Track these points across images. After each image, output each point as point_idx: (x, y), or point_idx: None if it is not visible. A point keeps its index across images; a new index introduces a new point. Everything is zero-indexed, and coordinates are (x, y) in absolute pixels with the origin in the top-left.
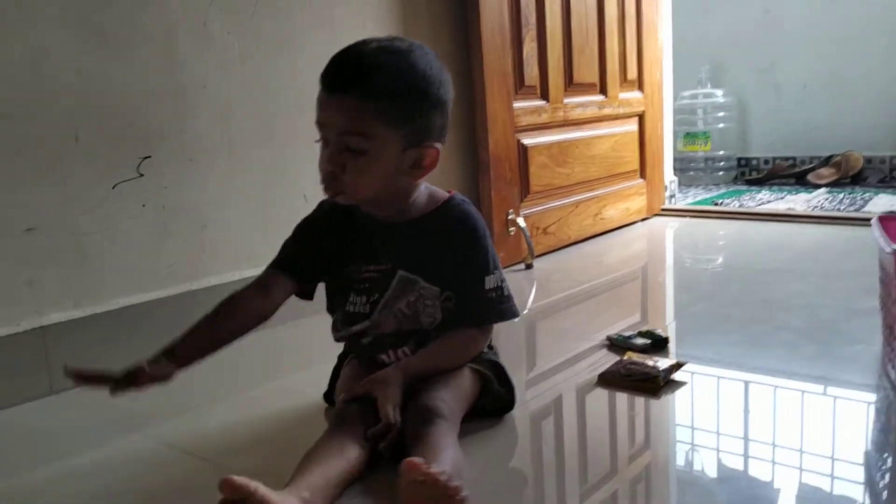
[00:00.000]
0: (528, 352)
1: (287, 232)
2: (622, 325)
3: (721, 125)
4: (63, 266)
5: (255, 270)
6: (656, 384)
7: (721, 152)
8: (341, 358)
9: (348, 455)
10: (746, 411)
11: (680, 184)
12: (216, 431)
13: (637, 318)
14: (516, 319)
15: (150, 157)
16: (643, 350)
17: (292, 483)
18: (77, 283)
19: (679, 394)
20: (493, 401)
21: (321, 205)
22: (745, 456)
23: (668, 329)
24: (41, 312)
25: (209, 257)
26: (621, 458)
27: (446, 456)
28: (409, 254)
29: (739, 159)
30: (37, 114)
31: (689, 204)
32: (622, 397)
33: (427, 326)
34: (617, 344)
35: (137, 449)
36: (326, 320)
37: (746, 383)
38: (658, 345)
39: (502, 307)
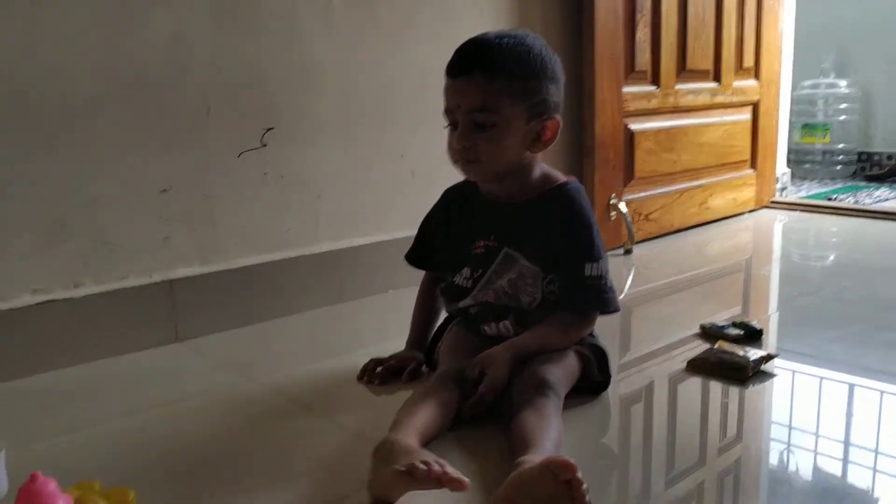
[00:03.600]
0: (623, 336)
1: (395, 206)
2: (721, 315)
3: (842, 117)
4: (193, 225)
5: (364, 240)
6: (745, 374)
7: (840, 145)
8: (445, 322)
9: (442, 411)
10: (850, 414)
11: (794, 176)
12: (323, 384)
13: (737, 310)
14: (617, 313)
15: (272, 128)
16: (735, 340)
17: (396, 427)
18: (204, 241)
19: (776, 389)
20: (589, 383)
21: (446, 193)
22: (844, 459)
23: (769, 321)
24: (171, 267)
25: (322, 225)
26: (710, 449)
27: (553, 429)
28: (516, 232)
29: (860, 154)
30: (174, 88)
31: (802, 198)
32: (716, 388)
33: (526, 306)
34: (710, 333)
35: (248, 393)
36: None
37: (851, 385)
38: (752, 336)
39: (603, 297)
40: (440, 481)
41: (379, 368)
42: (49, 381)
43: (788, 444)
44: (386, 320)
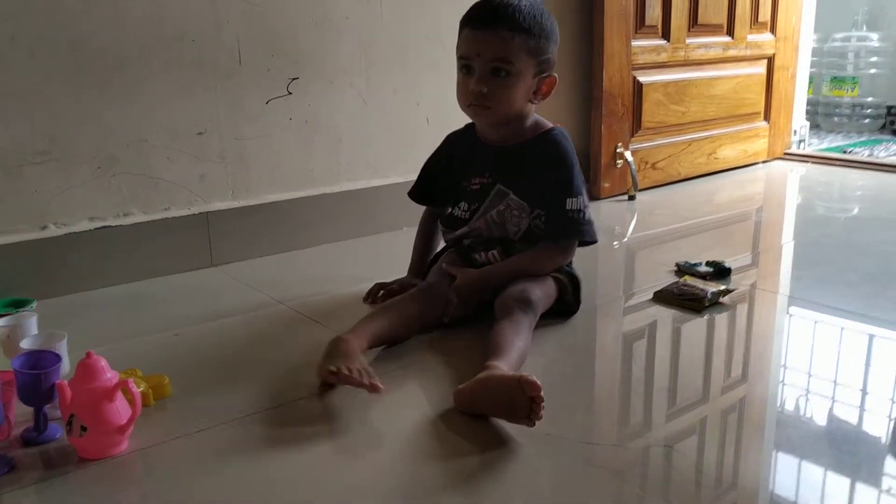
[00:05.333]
0: (627, 276)
1: (410, 150)
2: (711, 257)
3: (873, 70)
4: (226, 164)
5: (381, 181)
6: (701, 304)
7: (869, 99)
8: (442, 251)
9: (399, 321)
10: (869, 361)
11: (822, 129)
12: (336, 305)
13: (729, 254)
14: (594, 244)
15: (297, 78)
16: (704, 276)
17: (353, 329)
18: (236, 179)
19: (776, 335)
20: (563, 305)
21: (448, 137)
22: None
23: (764, 264)
24: (207, 201)
25: (343, 167)
26: (714, 388)
27: (522, 342)
28: (507, 171)
29: (889, 108)
30: (210, 39)
31: (817, 150)
32: (721, 328)
33: (512, 236)
34: (682, 269)
35: (275, 312)
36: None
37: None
38: (721, 273)
39: (581, 228)
40: (359, 386)
41: (381, 292)
42: (103, 296)
43: (788, 384)
44: (398, 254)
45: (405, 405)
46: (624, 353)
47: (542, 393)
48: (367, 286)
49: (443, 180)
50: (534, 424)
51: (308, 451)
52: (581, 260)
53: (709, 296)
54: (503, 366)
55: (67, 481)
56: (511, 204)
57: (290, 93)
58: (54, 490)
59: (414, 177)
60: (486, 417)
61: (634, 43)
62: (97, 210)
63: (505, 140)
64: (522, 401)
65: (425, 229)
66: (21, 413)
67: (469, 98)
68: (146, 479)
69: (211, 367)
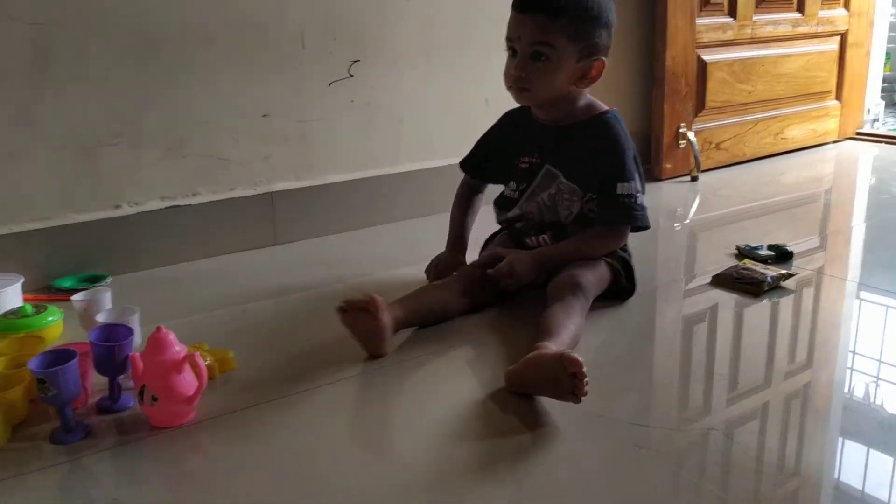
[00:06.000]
0: (687, 258)
1: (469, 131)
2: (775, 241)
3: None
4: (289, 146)
5: (440, 161)
6: (760, 288)
7: None
8: (494, 234)
9: (438, 299)
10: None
11: None
12: (395, 283)
13: (795, 237)
14: (647, 230)
15: (358, 60)
16: (765, 260)
17: (398, 301)
18: (299, 160)
19: (844, 320)
20: (618, 291)
21: (505, 114)
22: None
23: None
24: (271, 181)
25: (403, 148)
26: (777, 373)
27: (573, 325)
28: (557, 152)
29: None
30: (274, 22)
31: (892, 130)
32: (785, 313)
33: (563, 219)
34: (743, 253)
35: (336, 290)
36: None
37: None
38: (782, 257)
39: (633, 213)
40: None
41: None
42: (172, 273)
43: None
44: None
45: (455, 384)
46: (682, 336)
47: (584, 369)
48: (426, 266)
49: (495, 155)
50: (579, 401)
51: (352, 428)
52: (641, 242)
53: (768, 280)
54: (552, 346)
55: (139, 447)
56: (562, 188)
57: (351, 75)
58: (127, 455)
59: None
60: (536, 398)
61: (699, 21)
62: (167, 190)
63: (556, 121)
64: (566, 378)
65: (461, 202)
66: (97, 383)
67: (510, 80)
68: (211, 447)
69: (273, 343)
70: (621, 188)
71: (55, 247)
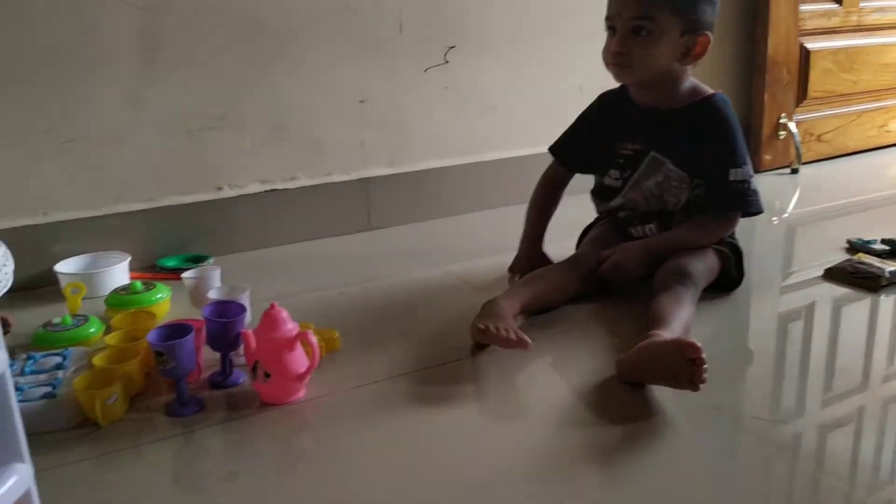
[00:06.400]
0: (792, 252)
1: (562, 119)
2: (884, 235)
3: None
4: (385, 132)
5: (532, 150)
6: (878, 283)
7: None
8: (595, 221)
9: (551, 288)
10: None
11: None
12: (492, 273)
13: None
14: (760, 214)
15: (454, 46)
16: (880, 255)
17: (506, 293)
18: (394, 146)
19: None
20: (726, 280)
21: (601, 96)
22: None
23: None
24: (366, 167)
25: (495, 135)
26: (875, 376)
27: (684, 313)
28: (663, 138)
29: None
30: (372, 8)
31: None
32: (886, 309)
33: (671, 207)
34: (856, 247)
35: (431, 276)
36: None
37: None
38: None
39: (746, 199)
40: (507, 344)
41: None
42: (270, 255)
43: None
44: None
45: (565, 373)
46: (796, 330)
47: (703, 355)
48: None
49: (590, 140)
50: (697, 388)
51: (457, 412)
52: (742, 235)
53: (886, 275)
54: (666, 334)
55: (251, 422)
56: (670, 175)
57: (446, 61)
58: (238, 429)
59: None
60: (648, 386)
61: (802, 7)
62: (267, 173)
63: (659, 104)
64: (683, 364)
65: (538, 199)
66: (209, 358)
67: (609, 57)
68: (319, 425)
69: (372, 325)
70: (734, 174)
71: (159, 227)
